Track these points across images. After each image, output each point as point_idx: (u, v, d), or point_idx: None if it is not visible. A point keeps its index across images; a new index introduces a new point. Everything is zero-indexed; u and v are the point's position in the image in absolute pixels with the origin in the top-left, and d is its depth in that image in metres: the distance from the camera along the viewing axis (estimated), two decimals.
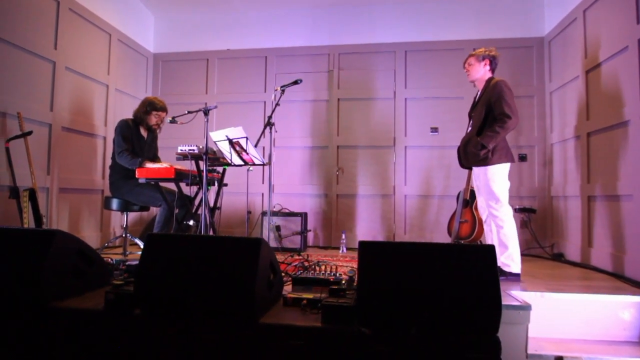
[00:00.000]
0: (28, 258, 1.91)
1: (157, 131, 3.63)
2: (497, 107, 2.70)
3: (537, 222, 4.20)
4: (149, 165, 3.28)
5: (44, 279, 1.87)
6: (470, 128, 2.96)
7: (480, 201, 2.96)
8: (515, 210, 4.10)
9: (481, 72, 2.87)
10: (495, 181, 2.71)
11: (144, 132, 3.56)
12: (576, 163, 3.64)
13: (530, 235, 4.12)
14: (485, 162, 2.72)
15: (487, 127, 2.74)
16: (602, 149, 3.26)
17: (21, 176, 3.09)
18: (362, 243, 1.77)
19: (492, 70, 2.89)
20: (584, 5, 3.53)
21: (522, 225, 4.15)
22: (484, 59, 2.85)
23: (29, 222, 3.01)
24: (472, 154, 2.77)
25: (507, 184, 2.75)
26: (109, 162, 3.95)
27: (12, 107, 3.13)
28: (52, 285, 1.90)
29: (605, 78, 3.24)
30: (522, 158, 4.32)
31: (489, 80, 2.85)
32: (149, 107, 3.47)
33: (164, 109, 3.52)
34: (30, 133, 3.14)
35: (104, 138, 4.23)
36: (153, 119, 3.50)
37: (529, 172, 4.32)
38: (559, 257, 3.79)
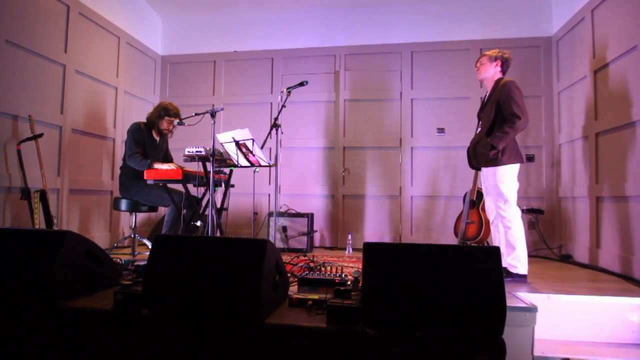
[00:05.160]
0: (39, 258, 1.95)
1: (169, 136, 3.68)
2: (506, 107, 2.70)
3: (545, 223, 4.17)
4: (158, 166, 3.33)
5: (55, 279, 1.90)
6: (479, 129, 2.96)
7: (488, 202, 2.96)
8: (523, 211, 4.05)
9: (491, 72, 2.88)
10: (505, 182, 2.71)
11: (156, 136, 3.61)
12: (584, 164, 3.61)
13: (538, 236, 4.09)
14: (495, 162, 2.72)
15: (497, 128, 2.74)
16: (611, 150, 3.23)
17: (32, 178, 3.15)
18: (366, 245, 1.78)
19: (503, 72, 2.90)
20: (592, 4, 3.50)
21: (530, 227, 4.12)
22: (496, 59, 2.87)
23: (39, 222, 3.07)
24: (482, 155, 2.77)
25: (516, 185, 2.75)
26: (117, 163, 4.02)
27: (23, 110, 3.19)
28: (62, 285, 1.94)
29: (613, 78, 3.21)
30: (530, 158, 4.29)
31: (498, 81, 2.86)
32: (163, 112, 3.51)
33: (177, 115, 3.54)
34: (41, 135, 3.20)
35: (113, 140, 4.29)
36: (164, 124, 3.54)
37: (537, 173, 4.30)
38: (567, 259, 3.76)
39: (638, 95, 2.89)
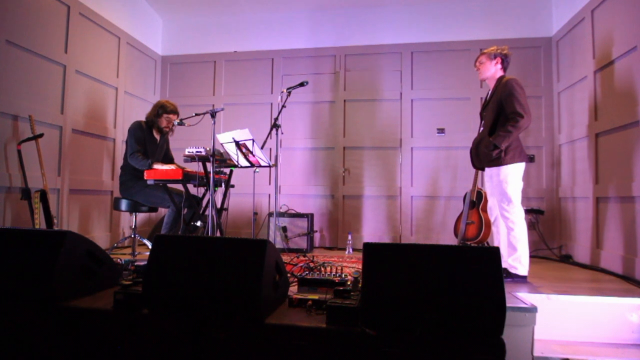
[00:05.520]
0: (40, 258, 1.95)
1: (169, 134, 3.68)
2: (508, 105, 2.67)
3: (545, 224, 4.17)
4: (158, 166, 3.33)
5: (55, 279, 1.91)
6: (482, 128, 2.94)
7: (492, 202, 2.93)
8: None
9: (492, 70, 2.86)
10: (509, 182, 2.68)
11: (156, 135, 3.62)
12: (584, 164, 3.61)
13: (538, 236, 4.09)
14: (498, 162, 2.69)
15: (500, 127, 2.71)
16: (613, 150, 3.21)
17: (33, 178, 3.15)
18: (366, 245, 1.78)
19: (504, 69, 2.87)
20: (592, 5, 3.50)
21: (530, 227, 4.10)
22: (495, 57, 2.84)
23: (40, 222, 3.07)
24: (485, 155, 2.75)
25: (520, 185, 2.72)
26: (118, 163, 4.02)
27: (23, 110, 3.20)
28: (62, 285, 1.94)
29: (615, 78, 3.21)
30: (530, 159, 4.28)
31: (500, 79, 2.83)
32: (160, 109, 3.52)
33: (174, 112, 3.56)
34: (41, 135, 3.20)
35: (114, 140, 4.29)
36: (164, 122, 3.55)
37: (537, 173, 4.30)
38: (566, 259, 3.76)
39: (635, 97, 2.88)
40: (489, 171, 2.84)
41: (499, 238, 2.88)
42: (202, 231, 3.35)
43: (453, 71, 4.49)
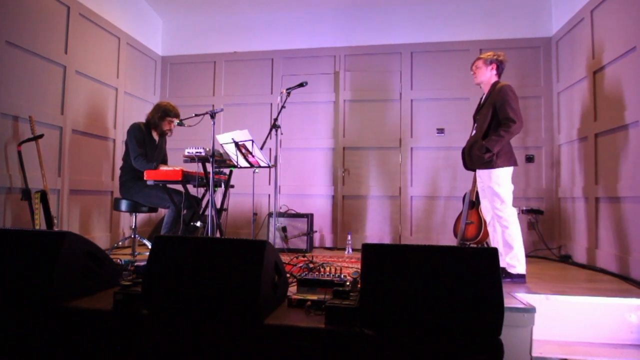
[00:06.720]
0: (40, 259, 1.96)
1: (168, 135, 3.70)
2: (501, 111, 2.74)
3: (544, 224, 4.17)
4: (163, 168, 3.35)
5: (55, 279, 1.91)
6: (474, 131, 2.99)
7: (484, 203, 2.99)
8: (523, 212, 4.08)
9: (487, 75, 2.91)
10: (500, 184, 2.75)
11: (155, 136, 3.63)
12: (584, 164, 3.61)
13: (537, 236, 4.09)
14: (489, 165, 2.76)
15: (492, 131, 2.79)
16: (608, 151, 3.24)
17: (33, 178, 3.16)
18: (365, 246, 1.79)
19: (499, 74, 2.93)
20: (592, 5, 3.50)
21: (530, 227, 4.13)
22: (491, 62, 2.89)
23: (40, 223, 3.08)
24: (477, 157, 2.81)
25: (511, 187, 2.79)
26: (118, 164, 4.03)
27: (23, 111, 3.20)
28: (62, 286, 1.95)
29: (612, 79, 3.22)
30: (530, 159, 4.29)
31: (494, 84, 2.89)
32: (163, 113, 3.54)
33: (177, 116, 3.58)
34: (41, 136, 3.21)
35: (114, 140, 4.30)
36: (166, 125, 3.57)
37: (536, 173, 4.30)
38: (566, 259, 3.76)
39: (631, 98, 2.90)
40: (480, 173, 2.91)
41: (496, 237, 2.91)
42: (201, 231, 3.36)
43: (453, 71, 4.49)
